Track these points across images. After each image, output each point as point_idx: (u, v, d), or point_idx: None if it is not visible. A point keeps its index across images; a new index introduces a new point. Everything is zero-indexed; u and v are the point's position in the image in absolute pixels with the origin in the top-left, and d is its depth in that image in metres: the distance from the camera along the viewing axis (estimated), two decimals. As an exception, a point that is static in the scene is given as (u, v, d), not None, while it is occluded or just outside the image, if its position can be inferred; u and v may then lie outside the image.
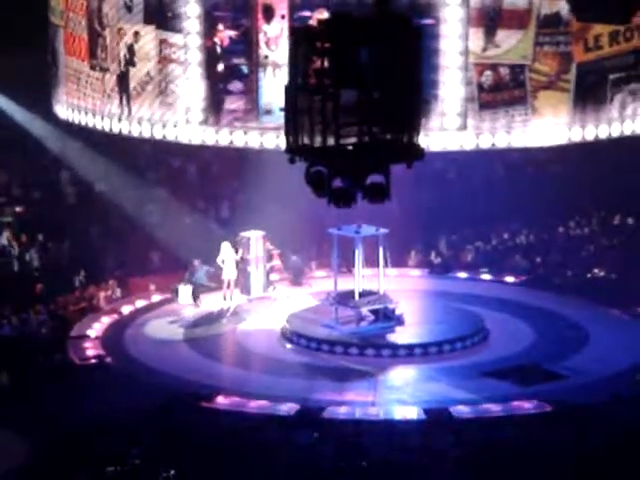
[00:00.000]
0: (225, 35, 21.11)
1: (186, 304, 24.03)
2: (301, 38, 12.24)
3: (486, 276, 26.23)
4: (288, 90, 12.25)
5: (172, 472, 15.67)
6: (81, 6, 22.56)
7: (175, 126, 21.49)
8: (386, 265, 22.36)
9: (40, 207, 27.72)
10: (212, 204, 28.54)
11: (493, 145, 20.69)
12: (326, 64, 11.84)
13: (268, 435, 17.17)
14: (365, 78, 11.86)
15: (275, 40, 20.92)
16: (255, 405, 18.63)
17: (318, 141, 11.88)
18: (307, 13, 20.51)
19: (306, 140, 11.97)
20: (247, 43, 21.01)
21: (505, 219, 27.43)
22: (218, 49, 21.19)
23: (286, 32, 20.58)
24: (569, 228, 27.60)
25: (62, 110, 24.01)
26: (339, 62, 11.81)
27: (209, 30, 21.12)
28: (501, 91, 20.49)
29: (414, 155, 12.35)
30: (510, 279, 25.95)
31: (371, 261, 22.42)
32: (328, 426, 17.62)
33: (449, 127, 20.43)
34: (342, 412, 18.39)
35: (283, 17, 20.82)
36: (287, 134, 12.19)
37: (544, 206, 26.99)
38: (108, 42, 22.12)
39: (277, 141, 20.58)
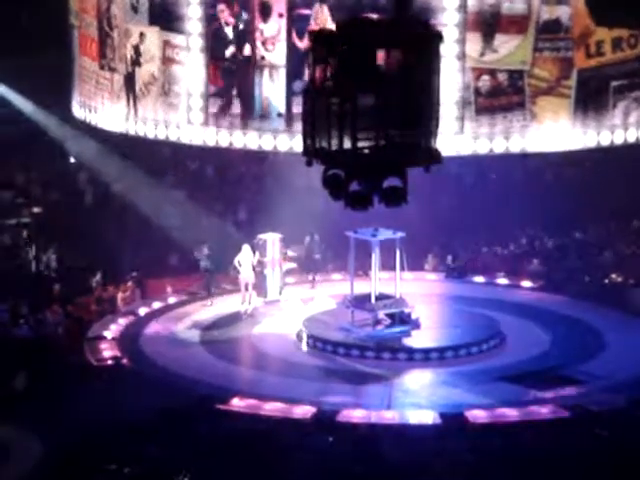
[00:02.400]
0: (227, 15, 20.85)
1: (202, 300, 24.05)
2: (319, 41, 12.24)
3: (503, 281, 26.18)
4: (305, 93, 12.25)
5: (187, 474, 15.69)
6: (92, 7, 22.74)
7: (178, 127, 21.53)
8: (403, 269, 22.34)
9: (58, 208, 27.82)
10: (230, 207, 28.60)
11: (491, 150, 20.60)
12: (343, 67, 11.84)
13: (283, 438, 17.17)
14: (383, 81, 11.86)
15: (272, 40, 20.63)
16: (271, 408, 18.63)
17: (335, 144, 11.88)
18: (306, 11, 20.30)
19: (323, 143, 11.98)
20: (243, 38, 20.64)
21: (523, 224, 27.36)
22: (223, 35, 20.98)
23: (284, 32, 20.39)
24: (586, 233, 27.51)
25: (77, 110, 24.18)
26: (356, 65, 11.81)
27: (210, 17, 20.91)
28: (499, 96, 20.35)
29: (431, 159, 12.33)
30: (527, 284, 25.89)
31: (388, 264, 22.41)
32: (343, 429, 17.61)
33: (446, 131, 20.35)
34: (357, 416, 18.37)
35: (281, 15, 20.37)
36: (304, 137, 12.19)
37: (562, 211, 26.92)
38: (116, 43, 22.27)
39: (275, 143, 20.53)
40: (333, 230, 24.53)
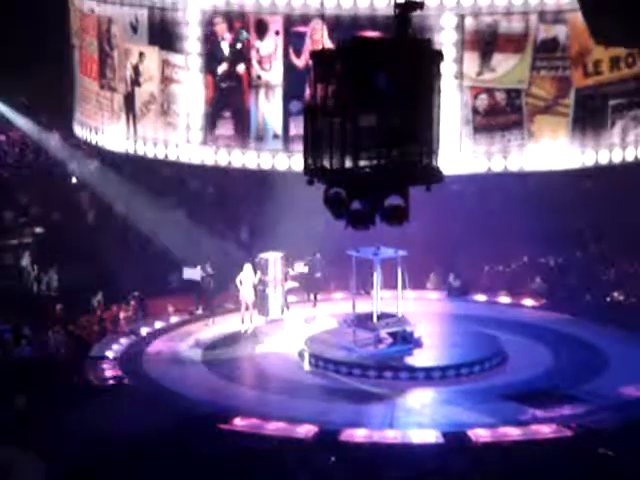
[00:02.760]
0: (224, 29, 20.78)
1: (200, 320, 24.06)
2: (320, 60, 12.28)
3: (505, 299, 26.15)
4: (306, 111, 12.29)
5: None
6: (92, 27, 22.83)
7: (177, 146, 21.55)
8: (404, 287, 22.32)
9: (59, 228, 27.83)
10: (231, 226, 28.60)
11: (489, 169, 20.62)
12: (345, 87, 11.88)
13: (285, 457, 17.11)
14: (384, 101, 11.89)
15: (269, 58, 20.45)
16: (273, 427, 18.58)
17: (336, 163, 11.91)
18: (303, 28, 20.13)
19: (324, 162, 12.00)
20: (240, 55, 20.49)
21: (524, 242, 27.34)
22: (218, 51, 20.97)
23: (280, 50, 20.28)
24: (588, 251, 27.48)
25: (78, 129, 24.25)
26: (358, 85, 11.85)
27: (209, 31, 20.89)
28: (497, 115, 20.39)
29: (433, 177, 12.36)
30: (529, 302, 25.86)
31: (389, 283, 22.39)
32: (346, 449, 17.55)
33: (444, 150, 20.31)
34: (360, 435, 18.32)
35: (277, 33, 20.19)
36: (305, 156, 12.22)
37: (563, 229, 26.90)
38: (116, 62, 22.34)
39: (273, 162, 20.48)
40: (335, 249, 24.51)
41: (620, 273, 26.34)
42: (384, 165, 11.87)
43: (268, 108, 20.30)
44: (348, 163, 11.83)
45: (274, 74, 20.24)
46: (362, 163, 11.85)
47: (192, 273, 24.34)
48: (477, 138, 20.28)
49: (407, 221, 12.19)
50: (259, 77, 20.47)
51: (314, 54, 12.92)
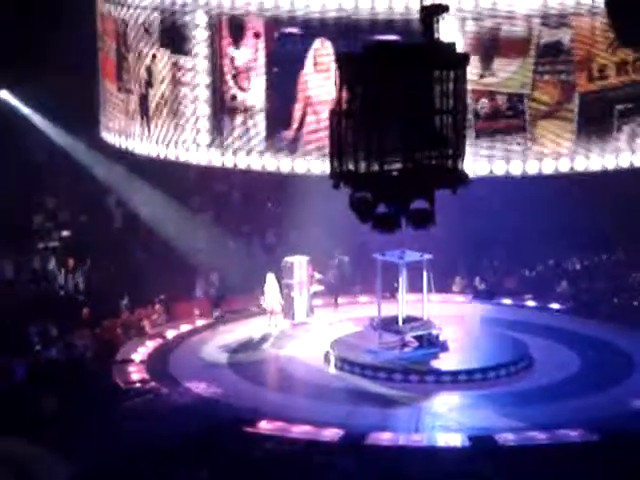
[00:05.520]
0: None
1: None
2: (345, 65, 12.31)
3: (531, 303, 26.05)
4: (333, 116, 12.31)
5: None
6: (111, 30, 22.99)
7: (186, 148, 21.55)
8: (430, 290, 22.29)
9: (87, 231, 27.96)
10: (257, 230, 28.64)
11: (491, 172, 20.48)
12: (371, 90, 11.89)
13: (311, 460, 17.12)
14: (409, 105, 11.90)
15: (246, 71, 18.00)
16: (298, 430, 18.58)
17: (362, 167, 11.91)
18: (295, 30, 18.04)
19: (350, 166, 12.01)
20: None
21: (551, 245, 27.23)
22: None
23: (262, 59, 17.91)
24: (615, 254, 27.33)
25: (104, 133, 24.47)
26: (383, 89, 11.85)
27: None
28: (498, 119, 20.14)
29: (458, 181, 12.35)
30: (555, 306, 25.74)
31: (415, 286, 22.36)
32: (371, 452, 17.54)
33: None
34: (385, 438, 18.30)
35: (257, 36, 17.56)
36: (331, 160, 12.24)
37: (590, 232, 26.77)
38: (131, 65, 22.44)
39: (278, 164, 20.09)
40: (361, 252, 24.49)
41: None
42: (410, 169, 11.87)
43: (245, 139, 19.49)
44: (374, 167, 11.84)
45: (255, 95, 18.49)
46: (388, 167, 11.85)
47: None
48: (477, 142, 20.07)
49: (434, 225, 12.18)
50: (234, 97, 18.61)
51: (339, 58, 12.93)
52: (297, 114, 18.47)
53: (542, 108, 20.26)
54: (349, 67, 12.16)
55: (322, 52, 18.97)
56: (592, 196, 28.32)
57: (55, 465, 17.03)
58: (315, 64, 18.63)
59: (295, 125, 19.01)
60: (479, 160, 20.09)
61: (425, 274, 22.01)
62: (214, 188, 30.03)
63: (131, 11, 22.16)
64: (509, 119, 20.03)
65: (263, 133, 19.10)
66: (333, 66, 18.49)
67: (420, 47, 12.12)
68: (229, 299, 25.13)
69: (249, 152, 20.32)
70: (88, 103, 25.12)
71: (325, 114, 18.17)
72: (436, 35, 12.15)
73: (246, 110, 18.24)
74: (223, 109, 19.85)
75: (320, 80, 18.77)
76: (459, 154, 12.39)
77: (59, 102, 26.99)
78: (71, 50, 24.92)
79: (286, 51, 18.00)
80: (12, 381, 20.38)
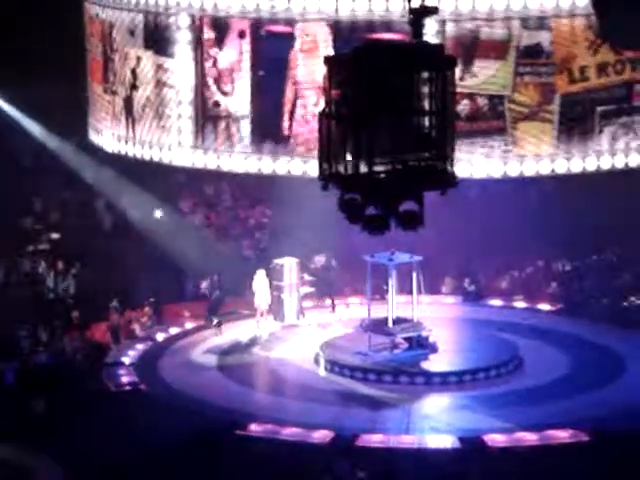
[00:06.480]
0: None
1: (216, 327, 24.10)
2: (334, 65, 12.28)
3: (521, 304, 26.08)
4: (321, 117, 12.29)
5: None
6: (97, 31, 23.03)
7: (169, 149, 21.53)
8: (420, 292, 22.30)
9: (76, 234, 27.90)
10: (246, 231, 28.60)
11: (471, 175, 20.49)
12: (360, 92, 11.88)
13: (302, 462, 17.11)
14: (398, 106, 11.89)
15: (229, 74, 17.32)
16: (289, 432, 18.58)
17: (351, 168, 11.90)
18: (280, 28, 17.42)
19: (339, 167, 12.00)
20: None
21: (540, 246, 27.25)
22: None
23: (247, 61, 17.25)
24: (605, 255, 27.36)
25: (93, 135, 24.47)
26: (372, 90, 11.84)
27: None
28: (479, 121, 20.13)
29: (447, 182, 12.34)
30: (545, 307, 25.78)
31: (405, 288, 22.36)
32: (362, 454, 17.54)
33: None
34: (376, 440, 18.30)
35: (242, 35, 16.80)
36: (320, 161, 12.22)
37: (579, 233, 26.80)
38: (117, 66, 22.46)
39: (259, 165, 19.95)
40: (350, 254, 24.49)
41: (637, 276, 26.22)
42: (399, 170, 11.86)
43: (232, 157, 19.23)
44: (363, 168, 11.82)
45: (239, 100, 17.81)
46: (377, 169, 11.84)
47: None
48: (458, 144, 20.10)
49: (422, 226, 12.18)
50: (217, 104, 17.83)
51: (328, 59, 12.92)
52: (286, 107, 18.47)
53: (523, 110, 20.27)
54: (338, 68, 12.15)
55: (308, 31, 18.88)
56: (582, 197, 28.41)
57: (46, 468, 17.00)
58: (301, 44, 18.52)
59: (286, 123, 19.06)
60: (459, 162, 20.12)
61: (415, 276, 22.02)
62: (204, 190, 30.00)
63: (117, 13, 22.16)
64: (490, 121, 20.01)
65: (248, 138, 19.02)
66: (320, 47, 18.39)
67: (409, 48, 12.12)
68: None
69: (231, 155, 20.38)
70: (76, 105, 25.09)
71: (312, 100, 17.98)
72: (423, 36, 12.17)
73: (229, 115, 17.86)
74: (205, 114, 19.76)
75: (305, 59, 18.50)
76: (448, 156, 12.37)
77: (47, 104, 26.95)
78: (58, 52, 24.93)
79: (272, 50, 17.79)
80: (1, 384, 20.33)
